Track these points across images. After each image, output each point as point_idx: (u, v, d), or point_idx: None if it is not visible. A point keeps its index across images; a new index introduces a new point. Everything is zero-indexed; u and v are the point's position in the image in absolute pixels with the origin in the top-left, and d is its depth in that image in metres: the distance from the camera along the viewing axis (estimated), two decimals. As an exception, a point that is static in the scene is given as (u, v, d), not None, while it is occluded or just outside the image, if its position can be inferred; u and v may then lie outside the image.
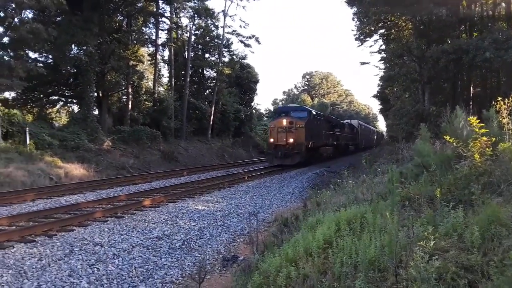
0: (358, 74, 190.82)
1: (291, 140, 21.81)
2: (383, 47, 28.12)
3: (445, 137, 6.79)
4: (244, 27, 43.64)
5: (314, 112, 25.24)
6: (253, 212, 10.37)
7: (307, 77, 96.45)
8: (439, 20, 20.95)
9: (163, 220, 9.08)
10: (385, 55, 28.18)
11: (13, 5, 17.27)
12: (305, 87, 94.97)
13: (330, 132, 29.65)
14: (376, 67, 34.90)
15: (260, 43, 43.01)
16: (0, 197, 11.24)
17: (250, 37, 40.28)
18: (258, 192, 13.92)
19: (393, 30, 26.79)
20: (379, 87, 40.52)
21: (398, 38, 25.69)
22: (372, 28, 26.43)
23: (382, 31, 27.26)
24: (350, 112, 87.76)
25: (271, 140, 22.63)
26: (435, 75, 21.12)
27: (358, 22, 27.27)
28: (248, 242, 7.99)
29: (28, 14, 20.63)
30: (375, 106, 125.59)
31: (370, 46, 47.19)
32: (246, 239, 8.40)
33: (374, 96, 43.87)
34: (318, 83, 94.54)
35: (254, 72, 46.52)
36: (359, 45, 28.15)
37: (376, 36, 27.56)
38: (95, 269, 6.05)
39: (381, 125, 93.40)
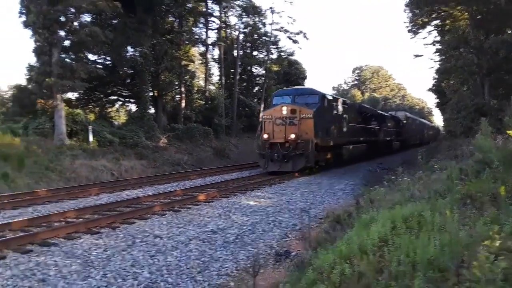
0: (411, 67, 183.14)
1: (293, 136, 15.99)
2: (438, 38, 26.86)
3: (508, 132, 6.43)
4: (291, 23, 43.24)
5: (330, 97, 18.91)
6: (304, 208, 10.38)
7: (357, 71, 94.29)
8: (497, 9, 19.63)
9: (217, 215, 9.35)
10: (440, 47, 26.91)
11: (73, 10, 18.43)
12: (355, 82, 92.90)
13: (362, 125, 23.64)
14: (431, 59, 33.28)
15: (307, 39, 42.54)
16: (67, 192, 12.11)
17: (297, 33, 40.03)
18: (308, 188, 13.88)
19: (448, 21, 25.46)
20: (435, 80, 38.70)
21: (453, 29, 24.37)
22: (426, 19, 25.29)
23: (436, 22, 26.01)
24: (403, 106, 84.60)
25: (265, 136, 16.74)
26: (495, 67, 19.86)
27: (410, 14, 26.23)
28: (300, 238, 8.03)
29: (86, 18, 21.88)
30: (430, 100, 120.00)
31: (423, 38, 45.18)
32: (298, 235, 8.43)
33: (430, 89, 42.00)
34: (368, 77, 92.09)
35: (302, 68, 46.19)
36: (412, 37, 27.10)
37: (430, 27, 26.36)
38: (156, 260, 6.36)
39: (437, 119, 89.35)
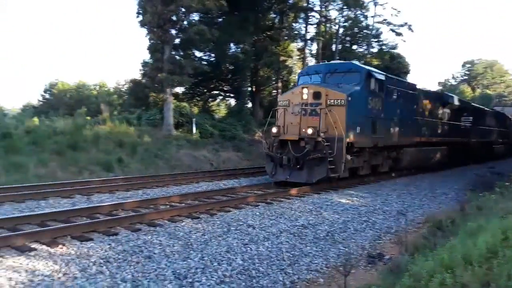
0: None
1: (310, 131, 11.19)
2: None
3: None
4: (395, 15, 40.68)
5: (381, 77, 13.28)
6: (401, 211, 9.90)
7: (468, 65, 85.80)
8: None
9: (308, 210, 9.35)
10: None
11: (183, 9, 19.83)
12: (465, 77, 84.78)
13: (442, 120, 18.30)
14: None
15: (412, 31, 39.66)
16: (173, 178, 13.11)
17: (401, 25, 37.60)
18: (406, 189, 13.16)
19: None
20: None
21: None
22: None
23: None
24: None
25: (274, 130, 12.17)
26: None
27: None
28: (395, 241, 7.68)
29: (195, 17, 23.33)
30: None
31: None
32: (392, 238, 8.08)
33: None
34: (481, 72, 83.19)
35: (405, 62, 43.31)
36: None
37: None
38: (248, 248, 6.60)
39: None
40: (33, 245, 5.89)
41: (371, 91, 12.84)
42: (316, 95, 11.69)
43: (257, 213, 8.63)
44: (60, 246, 5.97)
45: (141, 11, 20.37)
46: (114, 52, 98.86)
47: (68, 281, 4.83)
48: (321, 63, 15.39)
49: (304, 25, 32.92)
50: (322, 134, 11.30)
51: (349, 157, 11.84)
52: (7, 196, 8.91)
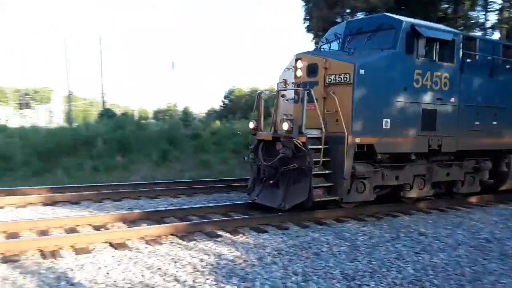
0: None
1: (286, 127, 7.37)
2: None
3: None
4: None
5: (443, 36, 8.25)
6: None
7: None
8: None
9: (493, 222, 8.37)
10: None
11: (348, 10, 19.80)
12: None
13: None
14: None
15: None
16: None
17: None
18: None
19: None
20: None
21: None
22: None
23: None
24: None
25: (251, 125, 8.50)
26: None
27: None
28: None
29: (359, 15, 22.93)
30: None
31: None
32: None
33: None
34: None
35: None
36: None
37: None
38: (420, 258, 6.23)
39: None
40: (219, 232, 6.81)
41: (422, 59, 7.95)
42: (312, 70, 7.88)
43: (429, 221, 8.14)
44: (241, 235, 6.73)
45: (307, 17, 21.18)
46: (282, 58, 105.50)
47: (247, 268, 5.42)
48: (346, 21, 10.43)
49: (483, 13, 29.12)
50: (316, 132, 7.45)
51: (364, 168, 7.73)
52: (199, 188, 10.50)
